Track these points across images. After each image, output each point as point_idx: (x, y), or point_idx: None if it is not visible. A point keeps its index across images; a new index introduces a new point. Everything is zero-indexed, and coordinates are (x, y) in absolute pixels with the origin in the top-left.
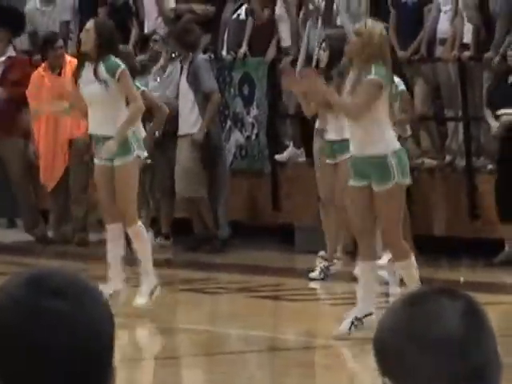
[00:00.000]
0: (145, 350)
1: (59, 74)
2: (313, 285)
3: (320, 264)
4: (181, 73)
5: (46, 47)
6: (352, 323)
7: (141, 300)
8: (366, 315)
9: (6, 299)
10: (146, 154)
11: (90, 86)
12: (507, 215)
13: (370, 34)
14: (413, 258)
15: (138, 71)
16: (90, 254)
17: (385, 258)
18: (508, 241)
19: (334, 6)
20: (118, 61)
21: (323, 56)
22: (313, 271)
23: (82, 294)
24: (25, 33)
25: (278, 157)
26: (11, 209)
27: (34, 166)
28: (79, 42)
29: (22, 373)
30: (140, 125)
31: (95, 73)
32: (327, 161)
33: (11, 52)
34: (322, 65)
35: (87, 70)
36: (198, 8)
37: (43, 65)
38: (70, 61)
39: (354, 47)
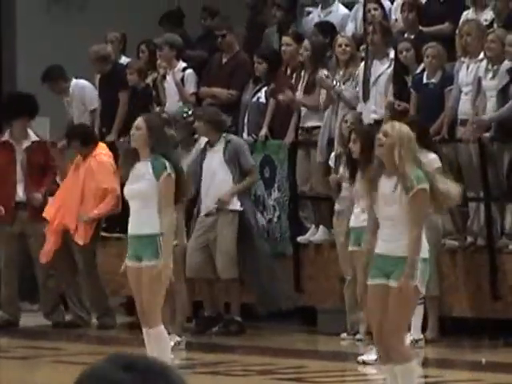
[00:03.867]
0: None
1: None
2: (335, 366)
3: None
4: (203, 154)
5: (76, 139)
6: None
7: None
8: None
9: (86, 371)
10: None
11: (137, 183)
12: None
13: (399, 135)
14: (415, 362)
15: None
16: (112, 338)
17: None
18: None
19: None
20: (165, 163)
21: (354, 148)
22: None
23: (152, 372)
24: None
25: (299, 239)
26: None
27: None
28: (104, 129)
29: None
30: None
31: (143, 170)
32: (353, 248)
33: (34, 136)
34: (355, 156)
35: (136, 167)
36: (220, 92)
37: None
38: (99, 153)
39: (384, 149)
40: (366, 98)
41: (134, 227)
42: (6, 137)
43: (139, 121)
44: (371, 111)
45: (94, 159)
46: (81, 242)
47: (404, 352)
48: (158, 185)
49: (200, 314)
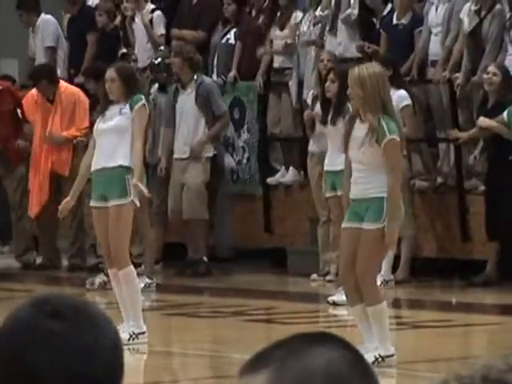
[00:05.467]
0: (138, 374)
1: (51, 101)
2: (305, 308)
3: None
4: (175, 97)
5: (43, 79)
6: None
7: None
8: (387, 356)
9: (9, 319)
10: (137, 202)
11: (111, 121)
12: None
13: (361, 83)
14: (385, 304)
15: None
16: (83, 279)
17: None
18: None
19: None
20: (141, 96)
21: (331, 88)
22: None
23: (82, 319)
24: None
25: (269, 180)
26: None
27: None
28: (75, 68)
29: None
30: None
31: (118, 110)
32: (328, 192)
33: None
34: (330, 95)
35: (111, 110)
36: (189, 34)
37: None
38: (66, 88)
39: (354, 100)
40: (333, 32)
41: (102, 161)
42: None
43: (111, 73)
44: (337, 44)
45: (65, 95)
46: (65, 173)
47: (375, 293)
48: (132, 114)
49: (185, 257)
